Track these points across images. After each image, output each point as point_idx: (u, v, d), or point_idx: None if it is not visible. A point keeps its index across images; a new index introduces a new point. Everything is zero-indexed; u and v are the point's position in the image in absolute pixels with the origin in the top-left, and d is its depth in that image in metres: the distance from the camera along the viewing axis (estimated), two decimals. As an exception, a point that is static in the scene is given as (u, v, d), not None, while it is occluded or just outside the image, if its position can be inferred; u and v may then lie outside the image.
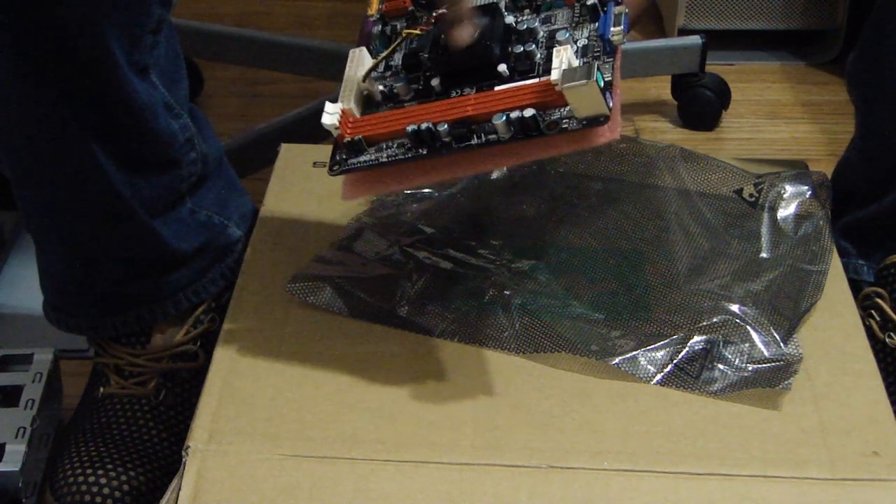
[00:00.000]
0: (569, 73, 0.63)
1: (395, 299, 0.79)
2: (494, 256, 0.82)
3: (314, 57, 1.39)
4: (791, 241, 0.84)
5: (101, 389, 0.92)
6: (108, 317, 0.90)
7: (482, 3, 0.71)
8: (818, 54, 1.57)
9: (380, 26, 0.74)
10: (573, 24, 0.69)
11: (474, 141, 0.66)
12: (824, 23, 1.54)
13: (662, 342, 0.75)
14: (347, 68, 0.71)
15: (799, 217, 0.86)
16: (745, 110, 1.47)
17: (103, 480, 0.85)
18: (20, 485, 0.88)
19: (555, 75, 0.64)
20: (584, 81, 0.62)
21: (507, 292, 0.79)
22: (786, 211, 0.86)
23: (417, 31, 0.72)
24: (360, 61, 0.71)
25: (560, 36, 0.68)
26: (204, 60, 1.45)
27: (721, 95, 1.42)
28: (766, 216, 0.86)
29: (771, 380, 0.74)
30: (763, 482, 0.67)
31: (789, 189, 0.88)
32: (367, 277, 0.81)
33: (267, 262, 0.84)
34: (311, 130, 1.28)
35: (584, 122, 0.64)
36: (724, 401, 0.72)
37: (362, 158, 0.69)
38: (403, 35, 0.72)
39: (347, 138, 0.69)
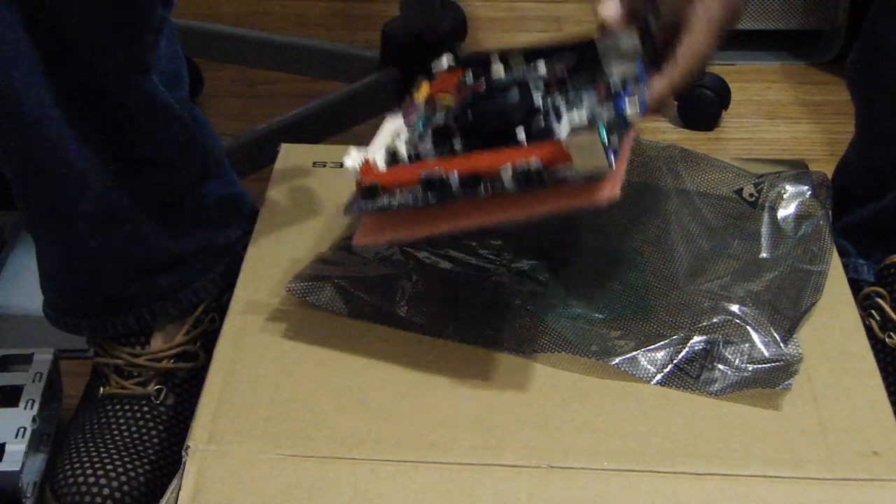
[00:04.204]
0: (575, 129, 0.67)
1: (395, 299, 0.79)
2: (494, 256, 0.82)
3: (314, 57, 1.39)
4: (791, 241, 0.84)
5: (102, 389, 0.92)
6: (108, 317, 0.90)
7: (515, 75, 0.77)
8: (818, 54, 1.57)
9: (424, 107, 0.78)
10: (595, 105, 0.72)
11: (481, 190, 0.69)
12: (824, 23, 1.54)
13: (662, 342, 0.75)
14: (380, 130, 0.75)
15: (799, 217, 0.86)
16: (745, 110, 1.47)
17: (103, 481, 0.85)
18: (20, 485, 0.88)
19: (563, 132, 0.67)
20: (588, 133, 0.66)
21: (507, 292, 0.79)
22: (786, 211, 0.86)
23: (452, 101, 0.76)
24: (393, 127, 0.75)
25: (578, 108, 0.71)
26: (204, 60, 1.45)
27: (721, 95, 1.42)
28: (766, 216, 0.86)
29: (771, 380, 0.74)
30: (763, 482, 0.67)
31: (789, 189, 0.88)
32: (367, 277, 0.81)
33: (267, 262, 0.84)
34: (311, 130, 1.29)
35: (586, 177, 0.67)
36: (725, 401, 0.72)
37: (375, 203, 0.72)
38: (439, 105, 0.76)
39: (364, 184, 0.72)
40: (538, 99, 0.74)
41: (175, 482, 0.68)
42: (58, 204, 0.84)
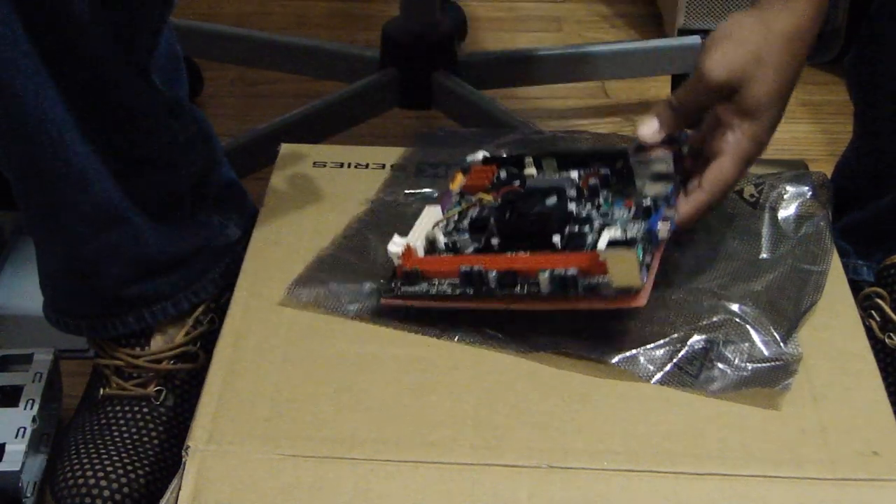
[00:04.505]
0: (614, 244, 0.72)
1: (395, 299, 0.79)
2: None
3: (314, 57, 1.39)
4: (791, 241, 0.84)
5: (102, 391, 0.92)
6: (108, 318, 0.90)
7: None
8: (818, 54, 1.56)
9: (459, 196, 0.84)
10: (627, 220, 0.77)
11: (517, 290, 0.74)
12: (824, 23, 1.53)
13: (662, 341, 0.75)
14: (420, 218, 0.80)
15: (800, 217, 0.86)
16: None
17: (103, 482, 0.85)
18: (20, 485, 0.88)
19: (601, 245, 0.72)
20: (626, 250, 0.71)
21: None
22: (786, 211, 0.86)
23: (490, 198, 0.81)
24: (432, 216, 0.81)
25: (611, 223, 0.76)
26: (204, 60, 1.45)
27: (721, 95, 1.42)
28: (766, 216, 0.86)
29: (770, 379, 0.73)
30: (763, 482, 0.67)
31: (790, 189, 0.88)
32: (367, 278, 0.81)
33: (267, 262, 0.84)
34: (311, 130, 1.29)
35: (618, 291, 0.72)
36: (725, 401, 0.72)
37: (415, 289, 0.77)
38: (477, 200, 0.82)
39: (406, 268, 0.77)
40: (572, 205, 0.79)
41: (175, 482, 0.68)
42: (58, 204, 0.84)
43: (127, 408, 0.91)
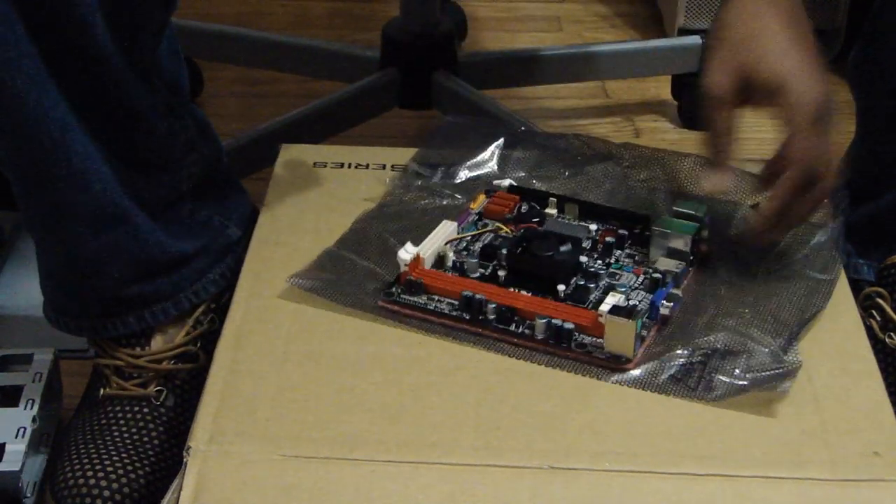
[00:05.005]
0: (616, 309, 0.74)
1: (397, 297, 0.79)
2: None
3: (314, 57, 1.39)
4: (802, 250, 0.84)
5: (102, 391, 0.92)
6: (109, 318, 0.90)
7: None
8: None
9: (476, 217, 0.86)
10: (632, 287, 0.79)
11: (512, 328, 0.76)
12: (824, 23, 1.54)
13: (660, 350, 0.75)
14: (434, 231, 0.82)
15: (811, 227, 0.85)
16: (746, 110, 1.47)
17: (103, 483, 0.85)
18: (20, 485, 0.88)
19: (605, 307, 0.74)
20: (627, 320, 0.72)
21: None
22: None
23: (507, 230, 0.84)
24: (446, 231, 0.82)
25: (618, 287, 0.78)
26: (204, 60, 1.45)
27: (721, 95, 1.42)
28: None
29: (769, 386, 0.73)
30: (764, 483, 0.67)
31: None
32: (368, 276, 0.81)
33: (267, 262, 0.84)
34: (311, 130, 1.29)
35: (608, 356, 0.73)
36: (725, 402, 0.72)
37: (413, 299, 0.78)
38: (494, 228, 0.84)
39: (410, 276, 0.78)
40: (584, 257, 0.81)
41: (176, 482, 0.68)
42: (58, 204, 0.84)
43: (127, 408, 0.90)
